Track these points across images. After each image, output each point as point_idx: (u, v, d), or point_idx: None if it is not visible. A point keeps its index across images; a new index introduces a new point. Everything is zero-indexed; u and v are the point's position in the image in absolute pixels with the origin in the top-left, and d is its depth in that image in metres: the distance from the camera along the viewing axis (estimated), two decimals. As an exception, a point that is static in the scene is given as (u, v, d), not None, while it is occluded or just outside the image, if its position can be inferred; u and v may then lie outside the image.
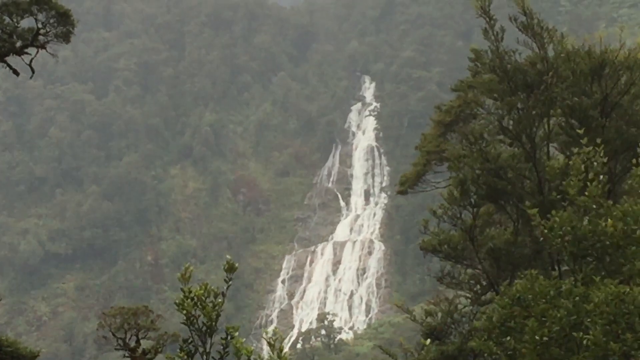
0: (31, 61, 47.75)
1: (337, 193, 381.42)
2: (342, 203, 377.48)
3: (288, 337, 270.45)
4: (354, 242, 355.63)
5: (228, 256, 26.14)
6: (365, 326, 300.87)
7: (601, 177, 28.26)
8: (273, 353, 22.66)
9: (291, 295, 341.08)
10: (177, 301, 22.30)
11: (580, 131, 35.21)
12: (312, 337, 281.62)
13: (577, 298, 22.73)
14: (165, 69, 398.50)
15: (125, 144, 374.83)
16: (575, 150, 32.78)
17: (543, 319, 22.99)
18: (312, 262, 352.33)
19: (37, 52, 47.26)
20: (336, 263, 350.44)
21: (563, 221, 26.02)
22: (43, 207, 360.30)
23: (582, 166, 28.90)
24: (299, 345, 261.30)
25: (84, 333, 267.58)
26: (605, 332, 21.65)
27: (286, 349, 23.06)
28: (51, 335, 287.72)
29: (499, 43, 42.00)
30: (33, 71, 48.43)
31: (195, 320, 22.45)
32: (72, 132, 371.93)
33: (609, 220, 24.44)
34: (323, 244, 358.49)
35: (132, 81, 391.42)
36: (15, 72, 48.88)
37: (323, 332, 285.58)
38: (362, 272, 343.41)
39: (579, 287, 23.51)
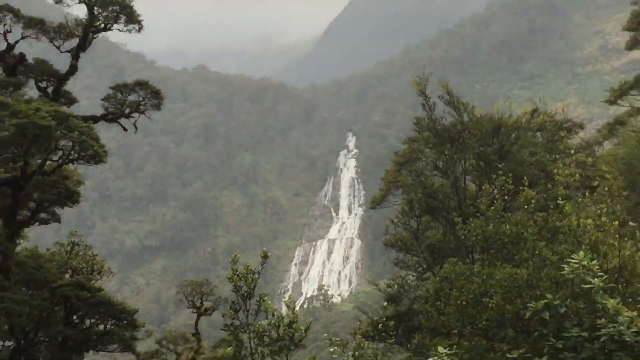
0: (135, 122, 47.60)
1: (331, 208, 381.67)
2: (334, 214, 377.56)
3: (298, 301, 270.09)
4: (341, 240, 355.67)
5: (264, 248, 26.16)
6: (348, 294, 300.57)
7: (500, 197, 28.48)
8: (289, 311, 22.58)
9: (300, 274, 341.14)
10: (228, 276, 22.23)
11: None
12: (314, 300, 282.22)
13: (485, 276, 22.66)
14: (220, 127, 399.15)
15: (194, 175, 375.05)
16: (486, 181, 32.86)
17: (462, 290, 22.93)
18: (314, 252, 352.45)
19: (139, 116, 47.10)
20: (329, 253, 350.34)
21: (476, 226, 26.00)
22: (141, 216, 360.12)
23: (493, 190, 29.08)
24: (305, 306, 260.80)
25: (167, 297, 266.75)
26: (503, 298, 21.57)
27: (297, 309, 23.01)
28: (145, 299, 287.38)
29: (432, 112, 42.23)
30: (136, 128, 48.35)
31: (239, 289, 22.35)
32: (160, 168, 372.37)
33: (506, 225, 24.44)
34: (321, 240, 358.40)
35: (198, 135, 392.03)
36: (124, 129, 48.79)
37: (321, 297, 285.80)
38: (346, 259, 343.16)
39: (485, 269, 23.43)
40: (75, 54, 46.34)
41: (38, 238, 54.54)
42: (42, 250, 46.86)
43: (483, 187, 31.63)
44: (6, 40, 47.01)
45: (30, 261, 43.67)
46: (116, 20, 45.69)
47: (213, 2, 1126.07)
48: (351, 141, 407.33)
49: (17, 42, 47.37)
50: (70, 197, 45.18)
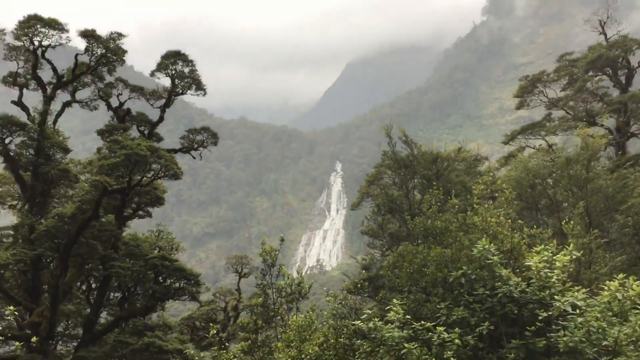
0: (200, 153, 47.62)
1: (325, 209, 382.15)
2: (327, 213, 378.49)
3: (304, 269, 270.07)
4: (332, 230, 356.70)
5: (282, 235, 26.14)
6: (335, 265, 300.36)
7: (437, 202, 28.52)
8: (298, 275, 22.58)
9: (305, 252, 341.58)
10: (260, 253, 22.29)
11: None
12: (314, 269, 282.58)
13: (424, 254, 22.70)
14: (254, 157, 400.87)
15: (237, 187, 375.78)
16: (427, 193, 32.83)
17: (410, 262, 22.98)
18: (314, 238, 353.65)
19: (202, 149, 47.14)
20: (324, 238, 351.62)
21: (419, 222, 26.06)
22: (203, 213, 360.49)
23: (431, 199, 29.11)
24: (308, 272, 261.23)
25: (219, 266, 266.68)
26: (436, 268, 21.63)
27: (303, 274, 23.00)
28: (205, 267, 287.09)
29: (393, 148, 42.13)
30: (201, 157, 48.30)
31: (266, 261, 22.39)
32: (215, 182, 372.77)
33: (439, 222, 24.50)
34: (318, 230, 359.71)
35: (240, 161, 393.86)
36: (193, 157, 48.83)
37: (318, 267, 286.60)
38: (334, 242, 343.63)
39: (425, 249, 23.47)
40: (162, 109, 46.47)
41: (137, 227, 54.44)
42: (140, 235, 46.97)
43: (425, 197, 31.86)
44: (118, 100, 47.20)
45: (132, 241, 43.73)
46: (189, 88, 45.84)
47: (250, 72, 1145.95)
48: (338, 166, 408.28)
49: (125, 101, 47.57)
50: (158, 201, 45.29)
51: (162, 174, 39.91)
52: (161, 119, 46.52)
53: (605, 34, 64.51)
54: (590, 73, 63.85)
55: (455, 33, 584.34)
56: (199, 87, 45.78)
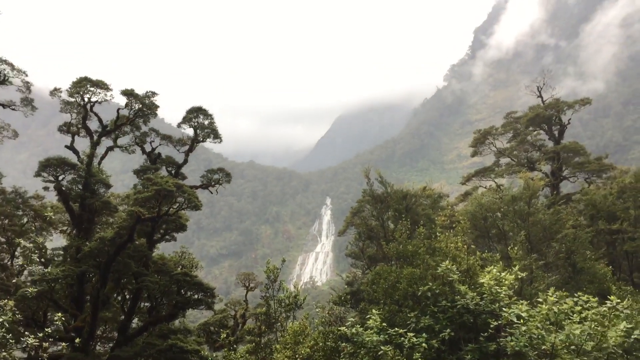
0: (216, 189, 47.51)
1: (317, 235, 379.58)
2: (319, 239, 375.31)
3: (299, 284, 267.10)
4: (323, 252, 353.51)
5: (283, 257, 25.92)
6: (325, 281, 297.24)
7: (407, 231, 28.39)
8: (295, 289, 22.37)
9: (301, 270, 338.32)
10: (264, 270, 22.12)
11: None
12: (308, 284, 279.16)
13: (397, 273, 22.60)
14: (260, 192, 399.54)
15: (245, 217, 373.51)
16: (399, 223, 32.67)
17: (385, 280, 22.84)
18: (308, 259, 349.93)
19: (219, 186, 47.01)
20: (316, 259, 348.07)
21: (393, 246, 25.96)
22: (218, 238, 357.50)
23: (402, 228, 28.98)
24: (303, 287, 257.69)
25: (230, 281, 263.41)
26: (407, 284, 21.50)
27: (299, 288, 22.76)
28: (219, 282, 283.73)
29: (371, 187, 42.02)
30: (217, 192, 48.16)
31: (269, 277, 22.20)
32: (228, 212, 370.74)
33: (409, 246, 24.43)
34: (311, 253, 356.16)
35: (249, 196, 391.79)
36: (211, 192, 48.63)
37: (311, 283, 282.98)
38: (324, 262, 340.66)
39: (398, 269, 23.36)
40: (186, 153, 46.55)
41: (164, 248, 54.04)
42: (166, 256, 46.63)
43: (397, 226, 31.77)
44: (151, 146, 47.25)
45: (159, 261, 43.43)
46: (208, 137, 45.94)
47: (260, 124, 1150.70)
48: (328, 201, 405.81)
49: (156, 147, 47.62)
50: (182, 228, 45.01)
51: (186, 206, 39.82)
52: (185, 161, 46.62)
53: (541, 97, 65.49)
54: (530, 128, 64.65)
55: (422, 95, 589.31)
56: (216, 136, 45.87)
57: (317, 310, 23.05)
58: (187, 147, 46.64)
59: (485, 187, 62.33)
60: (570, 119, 63.70)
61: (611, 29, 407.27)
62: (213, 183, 46.95)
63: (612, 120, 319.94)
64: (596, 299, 15.93)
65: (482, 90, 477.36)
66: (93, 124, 43.94)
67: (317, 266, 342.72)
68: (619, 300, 15.27)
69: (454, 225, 29.96)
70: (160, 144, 47.69)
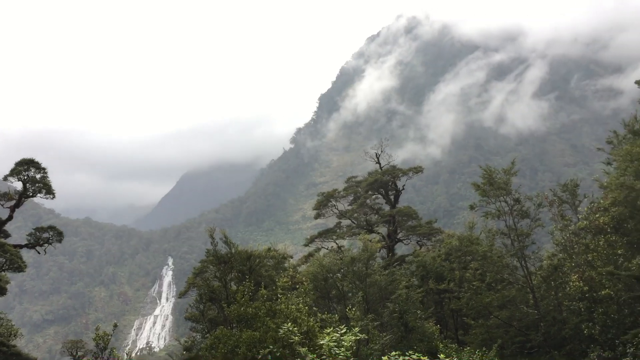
0: (45, 248, 43.76)
1: (157, 298, 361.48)
2: (158, 301, 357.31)
3: (135, 350, 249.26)
4: (162, 315, 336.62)
5: (115, 321, 24.41)
6: (163, 346, 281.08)
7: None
8: (127, 356, 21.15)
9: (137, 335, 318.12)
10: (93, 337, 20.67)
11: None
12: (144, 350, 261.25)
13: (237, 336, 22.27)
14: (96, 252, 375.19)
15: (77, 278, 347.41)
16: (241, 285, 32.07)
17: (225, 344, 22.39)
18: (145, 323, 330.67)
19: (48, 245, 43.38)
20: (154, 323, 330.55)
21: (234, 308, 25.65)
22: (44, 302, 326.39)
23: (244, 289, 28.64)
24: (139, 354, 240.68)
25: (55, 350, 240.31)
26: (247, 348, 21.25)
27: (133, 355, 21.55)
28: (42, 351, 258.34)
29: (215, 247, 41.34)
30: (45, 252, 44.27)
31: (99, 344, 20.75)
32: (58, 274, 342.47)
33: (250, 309, 24.28)
34: (149, 316, 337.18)
35: (82, 255, 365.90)
36: (38, 252, 44.74)
37: (147, 349, 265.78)
38: (163, 326, 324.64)
39: (238, 332, 23.04)
40: (12, 209, 42.75)
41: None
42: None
43: (239, 288, 31.51)
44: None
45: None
46: (39, 191, 42.72)
47: (101, 179, 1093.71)
48: (170, 261, 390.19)
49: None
50: (0, 291, 40.75)
51: (7, 267, 36.25)
52: (10, 217, 42.72)
53: (379, 164, 70.12)
54: (370, 192, 68.66)
55: (269, 156, 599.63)
56: (49, 191, 42.84)
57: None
58: (13, 202, 42.83)
59: (327, 249, 64.43)
60: (404, 184, 68.72)
61: (450, 98, 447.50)
62: (41, 242, 43.37)
63: (441, 186, 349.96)
64: (426, 357, 16.97)
65: (327, 155, 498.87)
66: None
67: (155, 330, 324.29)
68: (447, 359, 16.42)
69: (297, 287, 30.44)
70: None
